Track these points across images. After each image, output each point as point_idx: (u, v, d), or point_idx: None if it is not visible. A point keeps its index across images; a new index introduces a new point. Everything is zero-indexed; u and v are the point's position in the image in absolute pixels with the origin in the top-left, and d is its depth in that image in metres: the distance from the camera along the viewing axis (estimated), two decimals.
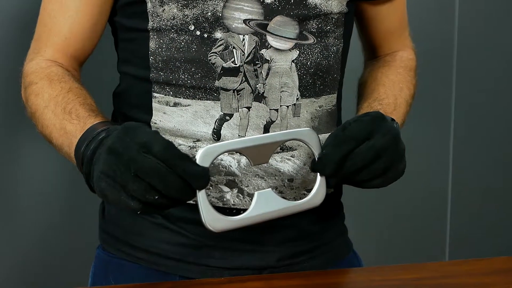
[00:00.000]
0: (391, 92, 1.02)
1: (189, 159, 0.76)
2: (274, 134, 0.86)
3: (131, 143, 0.76)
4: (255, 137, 0.84)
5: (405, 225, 1.72)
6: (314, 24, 0.95)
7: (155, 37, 0.95)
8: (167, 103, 0.96)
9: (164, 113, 0.97)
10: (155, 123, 0.97)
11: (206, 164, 0.77)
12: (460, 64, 1.68)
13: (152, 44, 0.95)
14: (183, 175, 0.75)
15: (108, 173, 0.77)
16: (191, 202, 0.96)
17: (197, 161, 0.77)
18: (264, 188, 0.96)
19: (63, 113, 0.90)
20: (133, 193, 0.75)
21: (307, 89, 0.97)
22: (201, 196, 0.78)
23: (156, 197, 0.75)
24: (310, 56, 0.96)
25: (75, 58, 1.01)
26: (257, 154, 0.83)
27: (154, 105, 0.97)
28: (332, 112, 1.01)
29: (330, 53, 0.98)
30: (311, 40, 0.96)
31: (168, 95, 0.96)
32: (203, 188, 0.77)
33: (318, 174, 0.85)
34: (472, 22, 1.67)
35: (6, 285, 1.38)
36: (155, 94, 0.97)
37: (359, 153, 0.84)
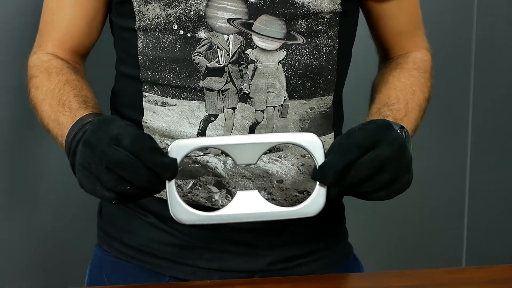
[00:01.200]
0: (403, 96, 0.98)
1: (158, 151, 0.78)
2: (265, 136, 0.84)
3: (103, 136, 0.78)
4: (240, 136, 0.83)
5: (416, 228, 1.65)
6: (303, 24, 0.93)
7: (142, 36, 0.95)
8: (155, 103, 0.96)
9: (154, 112, 0.96)
10: (146, 122, 0.97)
11: (178, 157, 0.78)
12: (478, 65, 1.61)
13: (139, 44, 0.95)
14: (152, 166, 0.77)
15: (84, 164, 0.80)
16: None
17: (169, 154, 0.78)
18: (252, 189, 0.94)
19: (57, 105, 0.93)
20: (106, 184, 0.78)
21: (296, 91, 0.95)
22: (169, 188, 0.78)
23: (128, 188, 0.77)
24: (299, 56, 0.94)
25: (75, 52, 1.03)
26: (242, 154, 0.81)
27: (145, 104, 0.97)
28: (326, 115, 0.98)
29: (322, 54, 0.95)
30: (300, 40, 0.93)
31: (157, 95, 0.96)
32: (171, 179, 0.78)
33: (318, 182, 0.81)
34: (491, 22, 1.60)
35: (14, 278, 1.41)
36: (145, 93, 0.97)
37: (363, 163, 0.79)
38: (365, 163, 0.80)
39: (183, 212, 0.79)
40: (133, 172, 0.76)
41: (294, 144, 0.82)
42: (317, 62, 0.95)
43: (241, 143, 0.80)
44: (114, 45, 1.04)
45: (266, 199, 0.96)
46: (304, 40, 0.93)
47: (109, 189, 0.78)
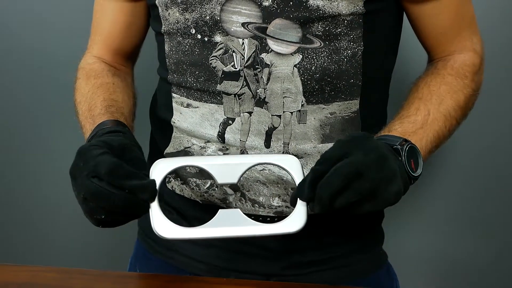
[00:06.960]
0: (425, 107, 0.92)
1: (135, 175, 0.78)
2: (245, 157, 0.85)
3: (82, 168, 0.80)
4: (221, 157, 0.85)
5: (478, 238, 1.47)
6: (319, 27, 0.90)
7: (168, 40, 0.97)
8: (181, 104, 0.99)
9: (180, 113, 0.99)
10: (174, 122, 1.00)
11: (158, 177, 0.80)
12: None
13: (166, 47, 0.98)
14: (132, 191, 0.78)
15: (74, 192, 0.82)
16: (198, 200, 0.98)
17: (151, 175, 0.80)
18: (266, 195, 0.95)
19: (87, 111, 0.97)
20: (86, 212, 0.80)
21: (313, 95, 0.92)
22: (152, 208, 0.80)
23: (103, 216, 0.79)
24: (315, 60, 0.91)
25: (118, 54, 1.08)
26: (222, 173, 0.82)
27: (173, 105, 1.00)
28: (351, 120, 0.95)
29: (342, 57, 0.92)
30: (317, 43, 0.91)
31: (183, 96, 0.98)
32: (152, 200, 0.79)
33: (298, 199, 0.81)
34: None
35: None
36: (173, 95, 1.00)
37: (335, 170, 0.76)
38: (338, 169, 0.76)
39: (166, 228, 0.81)
40: (108, 201, 0.77)
41: (273, 165, 0.84)
42: (336, 65, 0.92)
43: (220, 163, 0.82)
44: None
45: (279, 206, 0.95)
46: (322, 44, 0.91)
47: (89, 216, 0.81)
